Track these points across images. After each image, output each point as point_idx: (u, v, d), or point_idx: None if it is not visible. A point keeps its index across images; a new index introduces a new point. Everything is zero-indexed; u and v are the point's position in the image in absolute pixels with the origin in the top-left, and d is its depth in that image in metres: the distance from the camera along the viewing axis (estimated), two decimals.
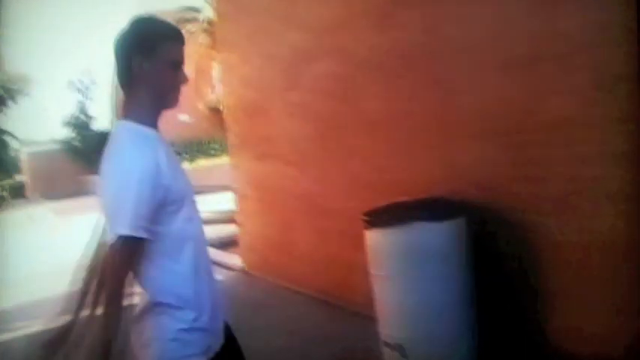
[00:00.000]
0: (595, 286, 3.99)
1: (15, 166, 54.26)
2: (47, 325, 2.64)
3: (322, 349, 5.67)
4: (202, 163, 30.70)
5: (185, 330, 2.42)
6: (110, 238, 2.25)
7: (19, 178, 53.33)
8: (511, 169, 4.47)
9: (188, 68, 2.73)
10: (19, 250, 14.28)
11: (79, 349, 2.47)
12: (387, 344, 4.51)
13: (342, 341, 5.73)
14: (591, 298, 4.03)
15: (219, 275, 5.74)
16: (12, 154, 54.46)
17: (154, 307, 2.42)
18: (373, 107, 5.89)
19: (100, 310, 2.30)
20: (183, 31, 2.59)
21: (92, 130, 49.83)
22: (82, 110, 51.00)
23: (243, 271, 9.34)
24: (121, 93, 2.48)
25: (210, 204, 12.12)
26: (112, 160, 2.36)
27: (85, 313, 2.58)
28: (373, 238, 4.55)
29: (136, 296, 2.46)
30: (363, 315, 5.59)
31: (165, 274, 2.41)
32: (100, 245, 2.59)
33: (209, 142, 33.01)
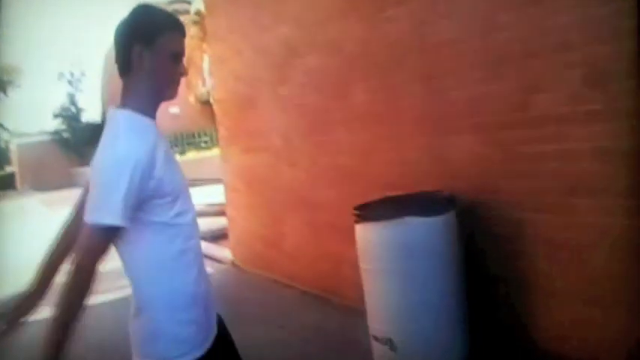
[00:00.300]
0: (587, 284, 3.99)
1: (5, 158, 54.08)
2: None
3: (311, 342, 5.68)
4: (193, 155, 30.69)
5: (180, 323, 2.41)
6: (90, 221, 2.21)
7: (8, 169, 53.15)
8: (501, 165, 4.47)
9: None
10: (8, 242, 14.23)
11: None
12: (376, 338, 4.52)
13: (332, 335, 5.74)
14: (584, 296, 4.03)
15: (209, 268, 5.73)
16: (2, 145, 54.26)
17: (148, 301, 2.41)
18: (363, 102, 5.89)
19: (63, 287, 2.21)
20: None
21: (82, 122, 49.70)
22: (72, 102, 50.84)
23: (232, 264, 9.35)
24: (119, 82, 2.45)
25: (200, 197, 12.10)
26: (106, 146, 2.32)
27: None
28: (363, 232, 4.55)
29: (129, 290, 2.45)
30: (353, 308, 5.61)
31: (160, 267, 2.39)
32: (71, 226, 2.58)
33: (199, 135, 32.99)
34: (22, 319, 2.53)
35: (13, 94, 51.05)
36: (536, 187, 4.24)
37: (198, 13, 16.38)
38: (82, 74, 51.95)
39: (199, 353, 2.43)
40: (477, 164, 4.66)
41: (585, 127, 3.87)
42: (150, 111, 2.43)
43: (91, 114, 49.53)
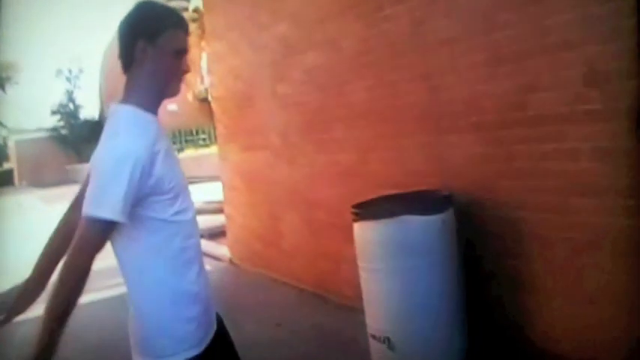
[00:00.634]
0: (587, 284, 3.99)
1: (3, 154, 54.08)
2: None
3: (309, 341, 5.68)
4: (191, 153, 30.70)
5: (180, 321, 2.40)
6: (89, 215, 2.19)
7: (6, 165, 53.16)
8: (500, 164, 4.47)
9: None
10: (6, 238, 14.21)
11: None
12: (374, 337, 4.51)
13: (329, 333, 5.74)
14: (583, 296, 4.03)
15: (207, 266, 5.76)
16: (0, 141, 54.25)
17: (148, 298, 2.40)
18: (362, 100, 5.89)
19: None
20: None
21: (80, 119, 49.72)
22: (70, 99, 50.86)
23: (230, 262, 9.35)
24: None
25: (198, 194, 12.09)
26: (107, 141, 2.30)
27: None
28: (361, 230, 4.55)
29: (123, 288, 2.45)
30: (350, 307, 5.61)
31: (160, 265, 2.38)
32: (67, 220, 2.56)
33: (198, 133, 33.00)
34: (18, 315, 2.52)
35: (11, 90, 51.05)
36: (535, 187, 4.23)
37: (196, 10, 16.36)
38: (80, 71, 52.02)
39: (198, 351, 2.42)
40: (476, 163, 4.66)
41: (585, 126, 3.86)
42: (152, 107, 2.43)
43: (88, 111, 49.65)
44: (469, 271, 4.59)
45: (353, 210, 4.62)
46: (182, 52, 2.44)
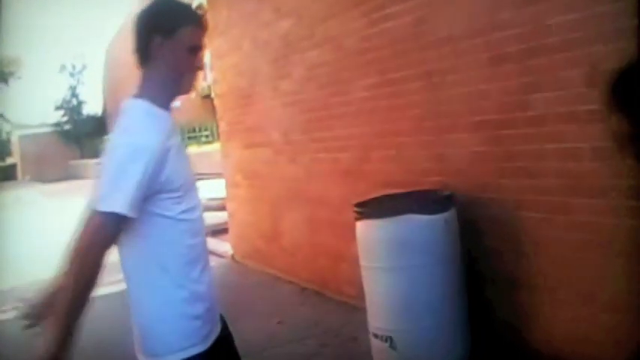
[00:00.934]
0: (587, 284, 3.99)
1: (6, 149, 54.10)
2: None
3: (310, 338, 5.69)
4: (193, 149, 30.66)
5: (184, 318, 2.40)
6: (101, 209, 2.17)
7: (10, 160, 53.19)
8: (501, 164, 4.46)
9: None
10: (8, 232, 14.23)
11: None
12: (375, 335, 4.52)
13: (330, 331, 5.74)
14: (584, 296, 4.03)
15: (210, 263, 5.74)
16: (3, 136, 54.26)
17: (152, 295, 2.40)
18: (364, 98, 5.88)
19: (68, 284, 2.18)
20: None
21: (83, 115, 49.75)
22: (74, 94, 50.88)
23: (232, 258, 9.36)
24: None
25: (200, 191, 12.09)
26: (121, 135, 2.30)
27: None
28: (364, 228, 4.55)
29: (122, 285, 2.44)
30: (352, 305, 5.61)
31: (166, 262, 2.38)
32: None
33: (200, 129, 32.96)
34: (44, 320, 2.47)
35: (14, 85, 51.07)
36: (536, 187, 4.23)
37: (199, 6, 16.35)
38: (84, 67, 52.01)
39: (203, 348, 2.43)
40: (477, 162, 4.65)
41: (585, 126, 3.86)
42: (166, 103, 2.43)
43: (92, 106, 49.61)
44: (470, 270, 4.59)
45: (356, 208, 4.63)
46: (197, 48, 2.44)
